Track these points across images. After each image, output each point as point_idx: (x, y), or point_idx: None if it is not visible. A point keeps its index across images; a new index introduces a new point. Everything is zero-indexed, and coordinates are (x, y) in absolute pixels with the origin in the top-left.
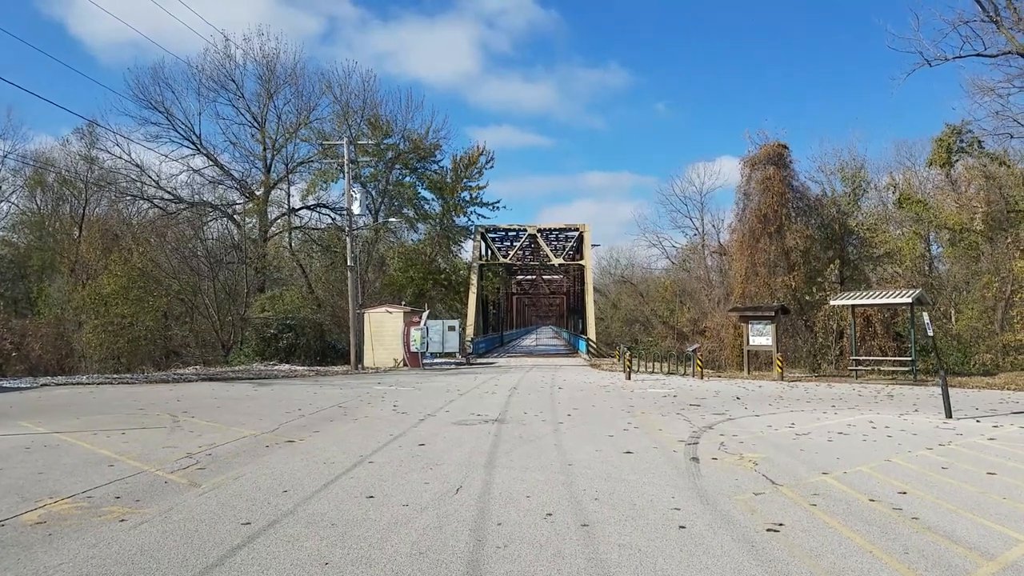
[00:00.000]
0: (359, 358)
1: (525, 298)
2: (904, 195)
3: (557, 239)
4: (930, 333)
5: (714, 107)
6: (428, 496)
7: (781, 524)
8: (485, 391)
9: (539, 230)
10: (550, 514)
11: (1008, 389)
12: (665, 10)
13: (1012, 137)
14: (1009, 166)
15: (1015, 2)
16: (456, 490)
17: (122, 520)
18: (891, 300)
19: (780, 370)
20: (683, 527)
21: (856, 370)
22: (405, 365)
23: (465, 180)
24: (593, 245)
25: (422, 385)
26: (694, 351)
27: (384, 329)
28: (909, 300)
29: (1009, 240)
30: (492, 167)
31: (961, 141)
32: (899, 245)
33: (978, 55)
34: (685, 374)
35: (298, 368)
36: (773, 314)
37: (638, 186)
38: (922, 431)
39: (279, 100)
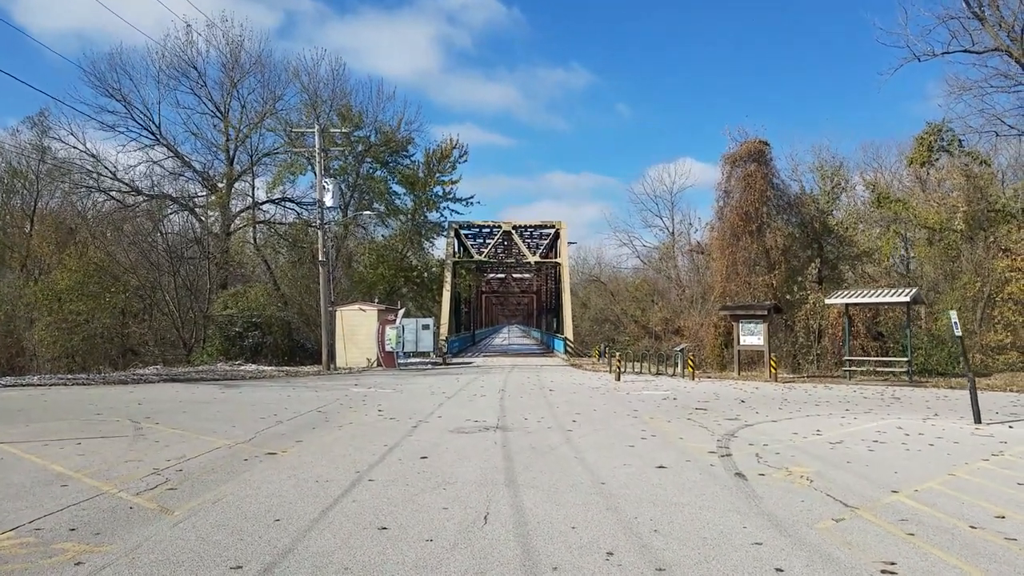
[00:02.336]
0: (331, 358)
1: (493, 296)
2: (883, 194)
3: (532, 236)
4: (958, 333)
5: (676, 108)
6: (452, 527)
7: (893, 563)
8: (472, 393)
9: (514, 227)
10: (611, 553)
11: (1011, 390)
12: (627, 10)
13: (998, 135)
14: (989, 165)
15: (997, 1)
16: (484, 518)
17: (78, 563)
18: (888, 299)
19: (774, 370)
20: (780, 570)
21: (849, 371)
22: (379, 365)
23: (438, 174)
24: (569, 243)
25: (403, 387)
26: (682, 351)
27: (357, 328)
28: (907, 299)
29: (990, 240)
30: (466, 161)
31: (941, 140)
32: (878, 244)
33: (965, 51)
34: (675, 375)
35: (266, 368)
36: (766, 313)
37: (600, 187)
38: (961, 438)
39: (243, 89)
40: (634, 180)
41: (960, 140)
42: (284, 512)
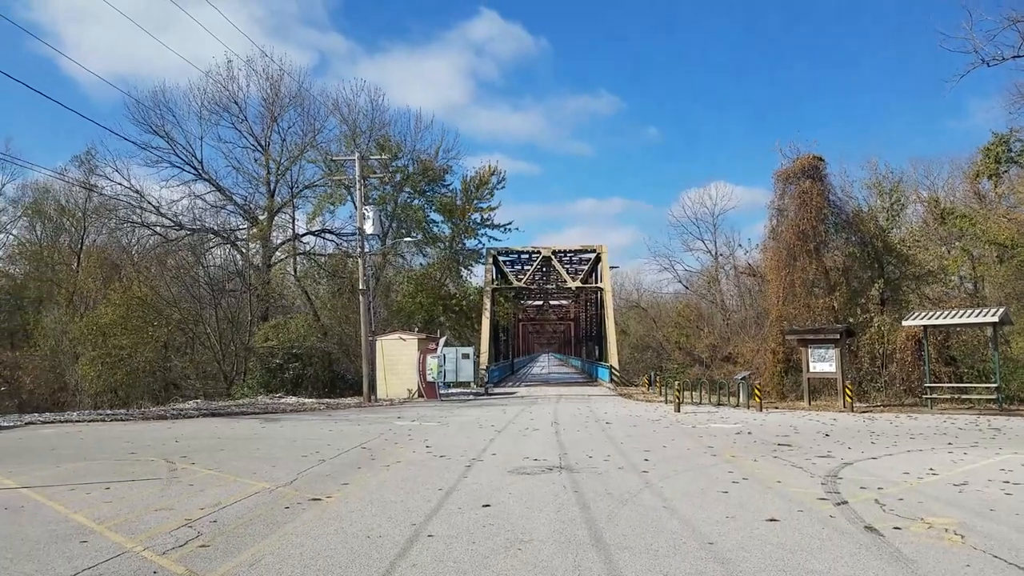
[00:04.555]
0: (372, 389)
1: (530, 324)
2: (947, 210)
3: (571, 261)
4: None
5: (707, 131)
6: None
7: None
8: (523, 427)
9: (553, 252)
10: None
11: None
12: (654, 36)
13: None
14: None
15: None
16: None
17: None
18: (973, 320)
19: (850, 400)
20: None
21: (930, 399)
22: (420, 396)
23: (476, 201)
24: (611, 267)
25: (448, 420)
26: (744, 379)
27: (398, 357)
28: (995, 319)
29: None
30: (504, 187)
31: (1009, 150)
32: (944, 263)
33: None
34: (738, 405)
35: (306, 401)
36: (838, 336)
37: (630, 212)
38: None
39: (283, 122)
40: (667, 204)
41: None
42: None
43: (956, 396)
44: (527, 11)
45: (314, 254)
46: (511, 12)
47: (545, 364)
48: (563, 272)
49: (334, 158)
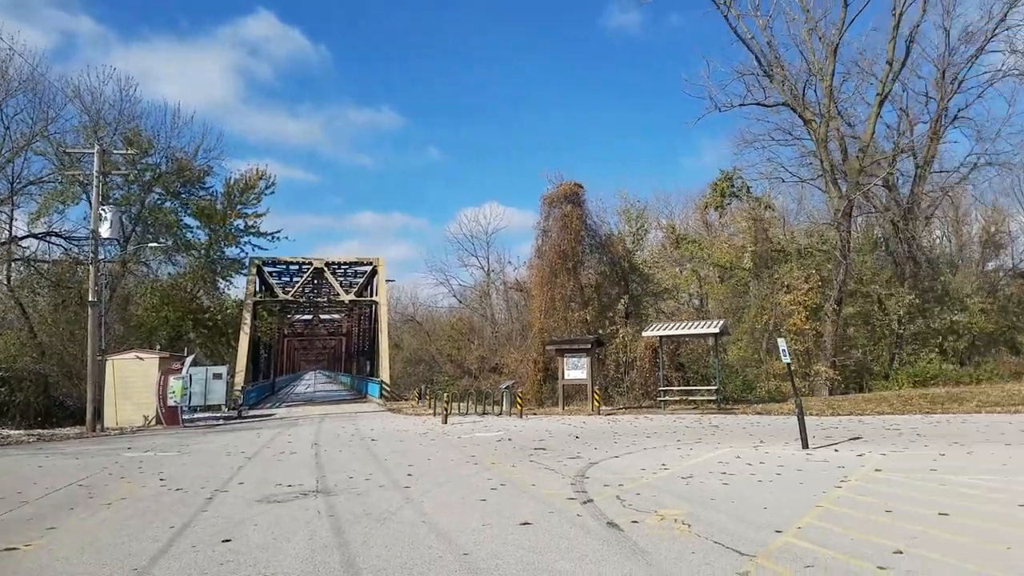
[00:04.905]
0: (98, 416)
1: (296, 340)
2: (680, 236)
3: (346, 274)
4: (787, 360)
5: (483, 155)
6: None
7: None
8: (279, 451)
9: (327, 264)
10: None
11: (810, 414)
12: (435, 63)
13: (783, 181)
14: (773, 209)
15: (780, 61)
16: None
17: None
18: (699, 331)
19: (597, 404)
20: None
21: (664, 401)
22: (160, 423)
23: (240, 206)
24: (388, 280)
25: (190, 448)
26: (508, 388)
27: (133, 380)
28: (716, 331)
29: (774, 277)
30: (273, 193)
31: (732, 186)
32: (677, 282)
33: (759, 104)
34: (501, 414)
35: (12, 432)
36: (589, 346)
37: (409, 227)
38: (800, 465)
39: (9, 108)
40: (445, 221)
41: (749, 187)
42: None
43: (684, 398)
44: (305, 15)
45: (35, 260)
46: (289, 15)
47: (312, 382)
48: (336, 285)
49: (68, 151)
